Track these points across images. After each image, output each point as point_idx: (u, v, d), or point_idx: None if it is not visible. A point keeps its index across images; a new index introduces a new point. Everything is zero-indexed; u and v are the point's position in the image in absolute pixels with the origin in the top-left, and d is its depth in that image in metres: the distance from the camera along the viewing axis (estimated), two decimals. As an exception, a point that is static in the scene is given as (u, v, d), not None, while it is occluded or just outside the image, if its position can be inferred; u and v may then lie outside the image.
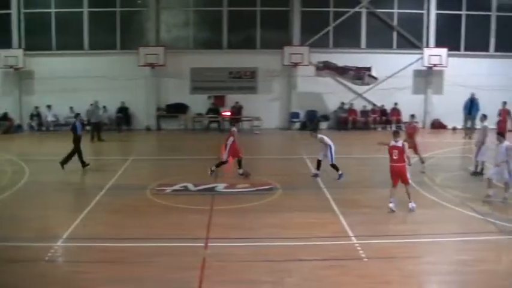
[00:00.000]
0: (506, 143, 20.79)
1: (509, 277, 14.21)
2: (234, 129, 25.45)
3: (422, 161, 25.17)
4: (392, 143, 19.56)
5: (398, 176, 19.56)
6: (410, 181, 19.89)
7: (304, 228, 17.38)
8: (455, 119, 37.29)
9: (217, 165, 24.06)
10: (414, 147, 24.92)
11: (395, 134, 19.91)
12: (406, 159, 19.66)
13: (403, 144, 19.58)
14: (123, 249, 15.27)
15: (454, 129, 38.09)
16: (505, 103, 33.30)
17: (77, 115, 27.71)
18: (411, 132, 25.23)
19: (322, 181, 23.32)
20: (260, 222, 17.85)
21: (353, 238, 16.60)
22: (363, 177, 24.86)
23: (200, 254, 14.86)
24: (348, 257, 15.10)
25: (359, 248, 15.76)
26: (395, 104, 38.05)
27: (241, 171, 24.15)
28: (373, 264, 14.69)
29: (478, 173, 24.69)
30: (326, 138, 23.95)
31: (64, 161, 25.09)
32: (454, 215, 19.36)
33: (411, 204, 19.47)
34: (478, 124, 27.23)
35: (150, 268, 13.97)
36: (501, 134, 21.50)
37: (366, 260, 14.97)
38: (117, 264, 14.19)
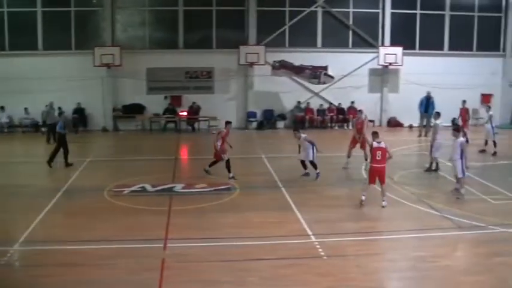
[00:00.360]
0: (461, 139, 21.30)
1: (467, 272, 14.38)
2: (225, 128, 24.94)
3: (366, 158, 25.36)
4: (375, 144, 19.88)
5: (377, 175, 19.88)
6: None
7: (263, 227, 17.39)
8: (411, 117, 37.72)
9: (227, 167, 23.87)
10: (362, 143, 25.19)
11: (375, 134, 20.18)
12: (389, 160, 20.21)
13: (386, 146, 19.93)
14: (82, 252, 15.06)
15: (410, 127, 38.49)
16: (464, 102, 33.83)
17: (61, 114, 28.32)
18: (360, 128, 25.41)
19: (280, 180, 23.37)
20: (219, 222, 17.84)
21: (312, 236, 16.68)
22: (320, 175, 24.96)
23: (159, 255, 14.80)
24: (307, 256, 15.16)
25: (318, 247, 15.83)
26: (352, 102, 38.31)
27: (208, 168, 24.07)
28: (332, 262, 14.77)
29: (432, 170, 25.12)
30: (308, 137, 24.03)
31: (50, 159, 25.73)
32: (412, 212, 19.57)
33: (384, 203, 19.88)
34: (445, 121, 27.57)
35: (109, 270, 13.85)
36: (456, 130, 21.82)
37: (325, 258, 15.05)
38: (76, 267, 14.03)
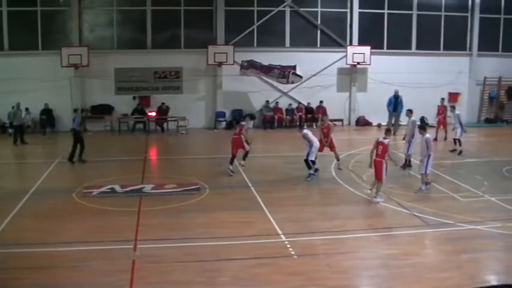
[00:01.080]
0: (427, 135, 21.81)
1: (436, 269, 14.50)
2: (244, 123, 25.99)
3: (337, 158, 25.55)
4: (381, 139, 20.58)
5: (374, 169, 20.50)
6: (383, 179, 20.55)
7: (234, 227, 17.41)
8: (379, 115, 37.93)
9: (244, 157, 25.01)
10: (331, 145, 25.30)
11: (388, 131, 21.15)
12: (387, 157, 20.54)
13: (388, 143, 20.41)
14: (51, 254, 14.92)
15: (379, 125, 38.70)
16: (443, 99, 34.27)
17: (75, 110, 28.85)
18: (326, 132, 25.45)
19: (250, 180, 23.39)
20: (189, 222, 17.81)
21: (282, 236, 16.73)
22: (290, 175, 25.04)
23: (130, 257, 14.72)
24: (278, 255, 15.19)
25: (289, 246, 15.88)
26: (321, 101, 38.43)
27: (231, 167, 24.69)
28: (303, 261, 14.83)
29: (407, 166, 25.38)
30: (310, 135, 23.90)
31: (70, 157, 26.65)
32: (382, 210, 19.75)
33: (375, 199, 20.36)
34: (405, 120, 27.75)
35: (79, 273, 13.75)
36: (422, 127, 22.48)
37: (295, 257, 15.10)
38: (46, 270, 13.88)
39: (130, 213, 18.66)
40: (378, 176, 20.45)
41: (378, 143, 20.52)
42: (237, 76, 37.16)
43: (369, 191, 20.95)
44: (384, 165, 20.41)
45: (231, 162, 24.78)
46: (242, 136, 24.82)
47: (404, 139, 26.22)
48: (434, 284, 13.29)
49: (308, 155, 23.82)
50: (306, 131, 24.26)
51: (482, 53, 40.99)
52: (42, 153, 28.39)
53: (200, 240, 16.16)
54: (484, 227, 17.99)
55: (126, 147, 31.77)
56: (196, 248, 15.65)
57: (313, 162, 23.98)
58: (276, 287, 13.35)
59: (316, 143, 23.91)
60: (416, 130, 24.44)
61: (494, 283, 13.34)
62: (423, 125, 23.29)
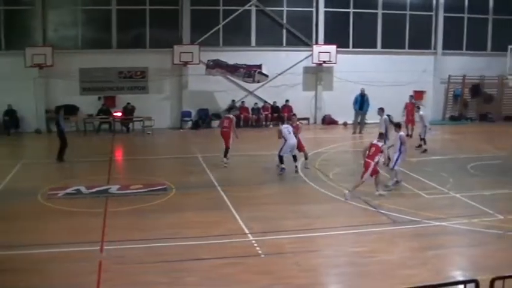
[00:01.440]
0: (401, 133, 22.49)
1: (403, 266, 14.60)
2: (232, 115, 27.61)
3: (306, 157, 25.62)
4: (375, 141, 21.09)
5: (364, 168, 20.93)
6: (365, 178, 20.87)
7: (201, 227, 17.34)
8: (345, 114, 38.09)
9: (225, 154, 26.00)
10: (300, 145, 25.36)
11: (381, 135, 21.79)
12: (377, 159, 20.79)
13: (382, 146, 20.89)
14: (16, 258, 14.70)
15: (345, 124, 38.86)
16: (411, 97, 34.51)
17: (58, 110, 29.12)
18: (295, 132, 25.52)
19: (217, 179, 23.33)
20: (156, 223, 17.71)
21: (249, 235, 16.72)
22: (256, 174, 25.07)
23: (96, 258, 14.57)
24: (245, 254, 15.16)
25: (256, 245, 15.87)
26: (287, 100, 38.47)
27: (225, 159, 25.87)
28: (270, 260, 14.82)
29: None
30: (285, 131, 24.38)
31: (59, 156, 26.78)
32: (348, 208, 19.80)
33: (347, 194, 20.69)
34: (371, 118, 27.89)
35: (44, 276, 13.56)
36: (397, 125, 23.31)
37: (263, 256, 15.09)
38: (10, 274, 13.65)
39: (97, 214, 18.48)
40: (362, 175, 20.83)
41: (372, 145, 20.91)
42: (203, 76, 37.01)
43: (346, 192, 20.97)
44: (371, 167, 20.62)
45: (225, 155, 25.64)
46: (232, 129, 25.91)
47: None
48: (401, 280, 13.35)
49: (281, 150, 24.27)
50: (282, 126, 24.76)
51: (447, 52, 41.39)
52: (6, 155, 28.04)
53: (167, 240, 16.06)
54: (450, 223, 18.16)
55: (92, 148, 31.48)
56: (164, 248, 15.55)
57: (281, 158, 24.37)
58: (244, 286, 13.32)
59: (291, 140, 24.22)
60: (390, 127, 25.18)
61: (460, 279, 13.45)
62: (398, 123, 23.94)
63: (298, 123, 26.05)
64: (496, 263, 14.82)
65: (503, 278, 9.05)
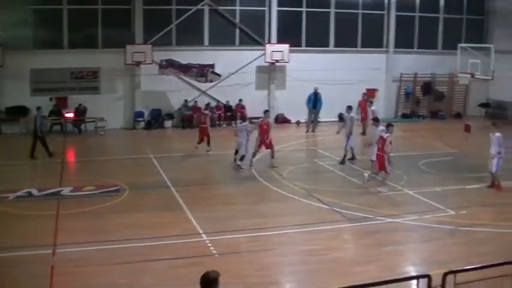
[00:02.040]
0: (380, 127, 23.06)
1: (357, 263, 14.72)
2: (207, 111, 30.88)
3: (272, 156, 25.71)
4: (382, 133, 22.05)
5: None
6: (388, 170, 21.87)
7: (155, 227, 17.27)
8: (298, 113, 38.18)
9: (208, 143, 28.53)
10: (270, 143, 25.44)
11: (389, 126, 22.28)
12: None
13: (387, 137, 21.65)
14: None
15: (298, 123, 38.96)
16: (364, 94, 34.74)
17: (38, 108, 29.11)
18: (266, 128, 25.64)
19: (170, 180, 23.22)
20: (110, 224, 17.59)
21: (203, 235, 16.73)
22: (209, 174, 25.17)
23: (48, 262, 14.38)
24: (200, 254, 15.16)
25: (210, 245, 15.90)
26: (240, 100, 38.42)
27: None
28: (225, 259, 14.85)
29: (348, 159, 26.51)
30: (242, 129, 25.88)
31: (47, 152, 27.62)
32: (302, 207, 19.90)
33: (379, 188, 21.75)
34: (345, 115, 28.15)
35: (-5, 280, 13.38)
36: (376, 119, 25.06)
37: (217, 256, 15.09)
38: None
39: (49, 217, 18.25)
40: (381, 168, 21.85)
41: (380, 138, 21.91)
42: (156, 75, 36.73)
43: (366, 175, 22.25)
44: (386, 159, 21.57)
45: (199, 143, 28.20)
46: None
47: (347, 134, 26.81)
48: (355, 277, 13.40)
49: (245, 150, 25.36)
50: (243, 123, 26.49)
51: (399, 50, 41.76)
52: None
53: (122, 242, 15.96)
54: (403, 220, 18.41)
55: (43, 150, 30.97)
56: (118, 250, 15.45)
57: (242, 156, 25.19)
58: (199, 286, 13.27)
59: (239, 139, 25.27)
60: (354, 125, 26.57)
61: (413, 274, 13.59)
62: (376, 118, 25.89)
63: (268, 120, 26.33)
64: (447, 257, 15.08)
65: (455, 272, 9.16)
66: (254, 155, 25.81)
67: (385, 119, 33.72)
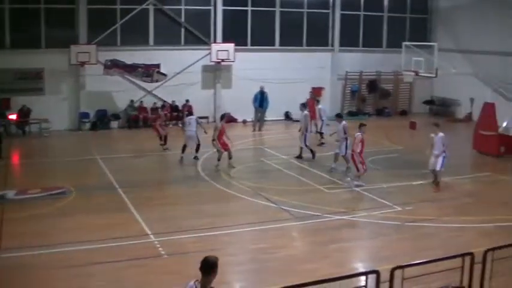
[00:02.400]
0: (343, 122, 24.07)
1: (305, 260, 14.79)
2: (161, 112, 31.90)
3: (230, 157, 25.77)
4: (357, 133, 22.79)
5: None
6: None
7: (102, 229, 17.09)
8: (245, 112, 38.20)
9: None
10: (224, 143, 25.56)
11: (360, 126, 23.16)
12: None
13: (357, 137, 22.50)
14: None
15: (244, 122, 38.96)
16: (312, 93, 34.98)
17: None
18: (223, 130, 25.77)
19: (117, 181, 23.00)
20: (56, 228, 17.30)
21: (152, 236, 16.62)
22: (156, 174, 25.04)
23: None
24: (148, 256, 15.07)
25: (158, 246, 15.81)
26: (187, 100, 38.21)
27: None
28: (173, 260, 14.81)
29: (305, 156, 26.92)
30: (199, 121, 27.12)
31: None
32: (250, 206, 19.94)
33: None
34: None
35: None
36: (338, 115, 25.94)
37: (166, 256, 15.03)
38: None
39: (-8, 220, 17.91)
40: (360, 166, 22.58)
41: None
42: (101, 76, 36.30)
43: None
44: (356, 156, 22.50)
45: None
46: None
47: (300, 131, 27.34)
48: (304, 275, 13.42)
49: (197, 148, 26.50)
50: (191, 117, 27.19)
51: (344, 49, 42.08)
52: None
53: (69, 245, 15.71)
54: (350, 216, 18.58)
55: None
56: (65, 253, 15.20)
57: (198, 147, 26.73)
58: (148, 287, 13.20)
59: (187, 132, 26.42)
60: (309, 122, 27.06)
61: (362, 270, 13.69)
62: (339, 114, 26.84)
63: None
64: (395, 253, 15.29)
65: (403, 267, 9.26)
66: (219, 158, 25.76)
67: (332, 117, 33.91)
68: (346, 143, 24.18)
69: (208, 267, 8.76)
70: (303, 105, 28.00)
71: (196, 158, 26.53)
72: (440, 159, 22.15)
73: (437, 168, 22.32)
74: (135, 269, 14.10)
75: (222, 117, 27.77)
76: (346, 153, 24.17)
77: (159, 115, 31.41)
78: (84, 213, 18.84)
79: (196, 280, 8.82)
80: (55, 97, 36.35)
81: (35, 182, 22.73)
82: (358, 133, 22.28)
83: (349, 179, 22.92)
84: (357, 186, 22.06)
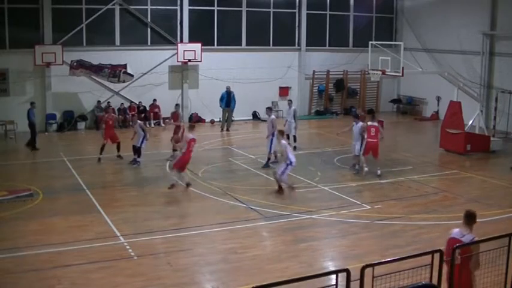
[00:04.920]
0: (360, 123, 24.58)
1: (275, 260, 14.80)
2: (113, 114, 30.38)
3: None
4: (370, 123, 24.18)
5: (370, 149, 24.01)
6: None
7: (70, 231, 16.93)
8: (212, 112, 38.16)
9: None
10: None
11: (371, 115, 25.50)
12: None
13: (378, 126, 23.91)
14: None
15: (212, 122, 38.89)
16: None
17: (32, 103, 31.05)
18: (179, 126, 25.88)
19: (84, 183, 22.78)
20: (22, 230, 17.04)
21: (121, 237, 16.51)
22: (124, 175, 24.87)
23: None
24: (117, 257, 14.97)
25: (128, 247, 15.70)
26: (154, 100, 38.05)
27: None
28: (143, 261, 14.72)
29: (271, 163, 25.90)
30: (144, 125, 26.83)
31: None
32: (219, 206, 19.92)
33: (379, 171, 24.05)
34: (265, 117, 28.23)
35: None
36: (356, 115, 26.54)
37: (135, 258, 14.95)
38: None
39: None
40: (376, 154, 24.26)
41: (369, 127, 24.10)
42: (67, 76, 35.99)
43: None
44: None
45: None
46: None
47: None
48: (275, 274, 13.47)
49: (141, 144, 26.02)
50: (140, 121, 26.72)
51: (310, 48, 42.22)
52: None
53: (34, 248, 15.54)
54: (319, 215, 18.62)
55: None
56: (31, 256, 15.00)
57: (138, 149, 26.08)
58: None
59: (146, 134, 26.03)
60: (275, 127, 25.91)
61: (332, 269, 13.71)
62: (356, 114, 27.64)
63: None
64: (364, 251, 15.39)
65: (373, 265, 9.27)
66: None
67: (299, 116, 34.02)
68: (361, 143, 24.54)
69: (471, 217, 10.68)
70: (269, 109, 27.62)
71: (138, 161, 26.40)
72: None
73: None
74: (102, 272, 13.97)
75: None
76: (360, 153, 24.61)
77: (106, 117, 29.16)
78: (52, 215, 18.64)
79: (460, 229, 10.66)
80: (20, 98, 35.84)
81: (1, 185, 22.39)
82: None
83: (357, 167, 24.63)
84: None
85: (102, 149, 27.08)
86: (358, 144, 24.55)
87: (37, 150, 29.58)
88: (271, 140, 25.73)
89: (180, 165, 21.65)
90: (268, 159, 25.95)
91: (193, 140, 21.98)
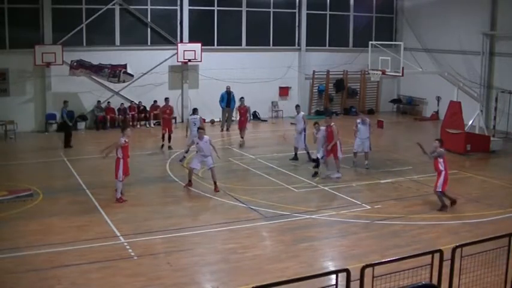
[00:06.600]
0: (368, 120, 25.51)
1: (275, 260, 14.78)
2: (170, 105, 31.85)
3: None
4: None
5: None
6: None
7: (70, 232, 16.92)
8: (212, 112, 38.14)
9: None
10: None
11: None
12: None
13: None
14: None
15: (212, 122, 38.87)
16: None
17: (65, 102, 32.33)
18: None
19: (85, 183, 22.78)
20: (22, 231, 17.03)
21: (121, 237, 16.49)
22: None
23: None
24: (117, 257, 14.95)
25: (128, 247, 15.68)
26: (155, 101, 38.01)
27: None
28: (143, 261, 14.70)
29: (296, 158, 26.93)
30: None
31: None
32: (219, 206, 19.93)
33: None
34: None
35: None
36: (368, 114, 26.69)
37: (135, 258, 14.93)
38: None
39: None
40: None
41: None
42: (67, 76, 35.99)
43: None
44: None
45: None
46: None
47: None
48: (274, 274, 13.48)
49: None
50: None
51: (310, 48, 42.24)
52: None
53: (34, 248, 15.53)
54: (319, 215, 18.61)
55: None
56: (31, 256, 15.00)
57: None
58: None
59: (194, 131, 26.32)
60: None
61: (332, 269, 13.71)
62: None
63: None
64: (364, 251, 15.39)
65: (373, 265, 9.27)
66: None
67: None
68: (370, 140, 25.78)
69: None
70: (298, 106, 28.05)
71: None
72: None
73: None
74: (102, 272, 13.96)
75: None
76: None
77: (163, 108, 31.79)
78: (52, 215, 18.63)
79: None
80: (20, 98, 35.94)
81: (2, 185, 22.37)
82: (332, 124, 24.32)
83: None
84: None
85: (163, 137, 29.88)
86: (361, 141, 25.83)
87: (71, 147, 30.42)
88: (304, 135, 26.25)
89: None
90: (309, 154, 26.61)
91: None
